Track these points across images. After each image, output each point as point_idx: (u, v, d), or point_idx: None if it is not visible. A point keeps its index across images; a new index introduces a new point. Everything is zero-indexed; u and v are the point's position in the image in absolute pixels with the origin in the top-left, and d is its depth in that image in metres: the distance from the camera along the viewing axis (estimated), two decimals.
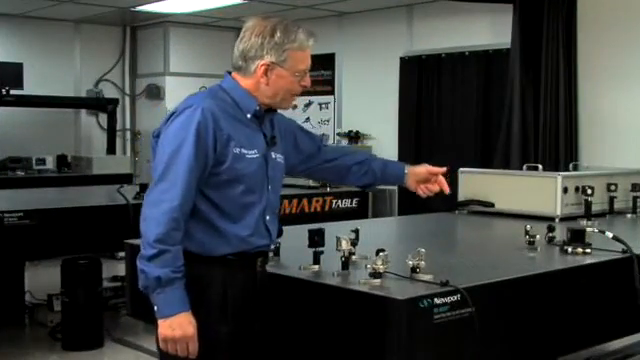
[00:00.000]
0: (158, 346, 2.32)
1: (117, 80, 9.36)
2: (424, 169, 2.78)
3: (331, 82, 8.38)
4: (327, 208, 5.98)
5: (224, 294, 2.36)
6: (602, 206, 4.33)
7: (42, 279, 6.10)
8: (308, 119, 8.48)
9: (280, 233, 2.66)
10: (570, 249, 3.06)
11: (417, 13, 7.61)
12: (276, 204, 2.51)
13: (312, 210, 5.85)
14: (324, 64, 8.28)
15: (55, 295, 5.54)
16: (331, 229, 2.77)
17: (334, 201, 6.05)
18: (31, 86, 8.14)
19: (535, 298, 2.70)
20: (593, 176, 4.36)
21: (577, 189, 4.16)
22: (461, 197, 4.45)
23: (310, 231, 2.65)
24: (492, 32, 6.91)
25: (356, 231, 2.78)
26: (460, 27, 7.19)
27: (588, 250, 3.06)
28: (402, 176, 2.79)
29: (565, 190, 4.12)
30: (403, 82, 7.59)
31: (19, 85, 7.99)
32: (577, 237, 3.10)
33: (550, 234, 3.24)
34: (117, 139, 8.93)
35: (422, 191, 2.78)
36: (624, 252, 3.03)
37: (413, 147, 7.45)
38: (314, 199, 5.89)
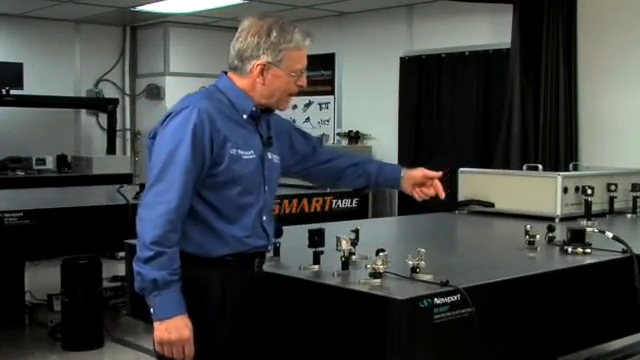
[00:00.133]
0: (154, 348, 2.32)
1: (117, 80, 9.36)
2: (420, 173, 2.76)
3: (331, 82, 8.37)
4: (327, 208, 5.98)
5: (223, 295, 2.36)
6: (602, 206, 4.33)
7: (42, 279, 6.10)
8: (308, 119, 8.48)
9: (280, 233, 2.65)
10: (570, 249, 3.06)
11: (417, 13, 7.60)
12: (272, 204, 2.51)
13: (312, 210, 5.85)
14: (324, 64, 8.28)
15: (55, 295, 5.54)
16: (331, 229, 2.77)
17: (334, 201, 6.05)
18: (31, 86, 8.13)
19: (535, 298, 2.70)
20: (593, 176, 4.36)
21: (577, 189, 4.16)
22: (461, 197, 4.45)
23: (310, 231, 2.65)
24: (492, 32, 6.91)
25: (356, 231, 2.78)
26: (460, 27, 7.18)
27: (588, 250, 3.05)
28: (398, 180, 2.78)
29: (565, 190, 4.12)
30: (403, 82, 7.58)
31: (19, 85, 7.98)
32: (577, 237, 3.09)
33: (550, 234, 3.24)
34: (117, 139, 8.92)
35: (418, 195, 2.77)
36: (624, 252, 3.03)
37: (413, 147, 7.43)
38: (314, 199, 5.88)
